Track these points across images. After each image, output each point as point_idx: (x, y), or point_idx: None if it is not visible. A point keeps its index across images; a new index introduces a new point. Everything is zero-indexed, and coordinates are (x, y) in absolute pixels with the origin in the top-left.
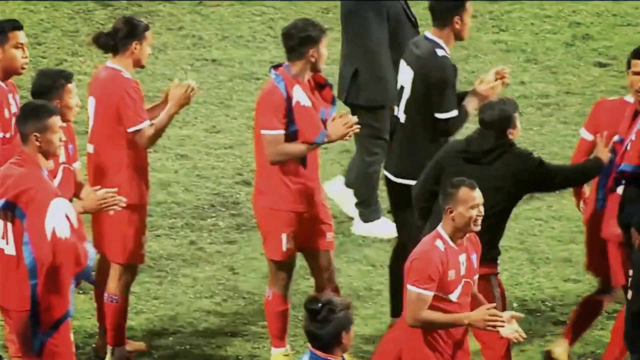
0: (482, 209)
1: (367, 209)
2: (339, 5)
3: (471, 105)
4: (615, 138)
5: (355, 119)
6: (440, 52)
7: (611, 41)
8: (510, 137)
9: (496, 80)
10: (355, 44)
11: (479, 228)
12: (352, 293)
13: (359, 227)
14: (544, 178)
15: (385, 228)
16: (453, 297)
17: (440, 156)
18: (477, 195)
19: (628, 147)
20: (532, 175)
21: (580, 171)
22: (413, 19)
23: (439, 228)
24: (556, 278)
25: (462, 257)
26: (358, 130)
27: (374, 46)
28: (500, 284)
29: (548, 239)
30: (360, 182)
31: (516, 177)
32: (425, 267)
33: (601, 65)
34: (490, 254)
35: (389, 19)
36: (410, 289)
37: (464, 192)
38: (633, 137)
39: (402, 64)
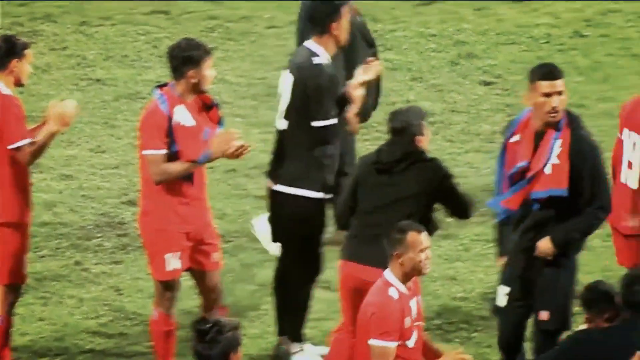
0: (429, 252)
1: None
2: (224, 25)
3: (351, 112)
4: (522, 163)
5: (237, 134)
6: (316, 60)
7: (495, 59)
8: (419, 144)
9: (364, 74)
10: None
11: (428, 271)
12: (239, 313)
13: (272, 246)
14: (450, 192)
15: None
16: (410, 343)
17: (355, 172)
18: (425, 239)
19: (549, 171)
20: (440, 185)
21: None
22: (369, 39)
23: (387, 275)
24: (444, 296)
25: (413, 302)
26: (244, 148)
27: None
28: None
29: (435, 258)
30: None
31: (427, 185)
32: (385, 319)
33: (486, 83)
34: None
35: None
36: (373, 343)
37: (412, 237)
38: (556, 160)
39: (285, 72)
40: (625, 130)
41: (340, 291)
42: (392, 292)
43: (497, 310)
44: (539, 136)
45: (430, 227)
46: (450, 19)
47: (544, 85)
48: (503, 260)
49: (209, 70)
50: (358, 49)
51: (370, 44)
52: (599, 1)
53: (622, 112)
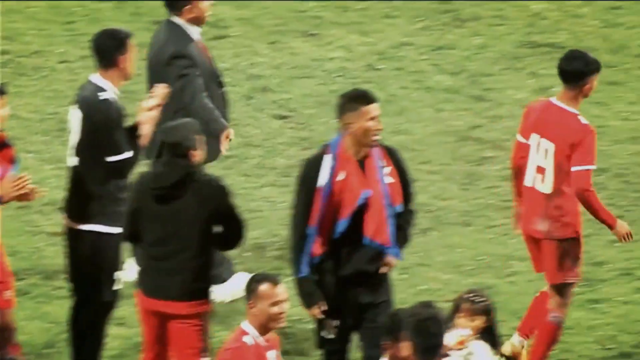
0: (286, 305)
1: (219, 267)
2: (15, 60)
3: (143, 140)
4: (366, 192)
5: (28, 179)
6: (102, 95)
7: (290, 93)
8: (194, 159)
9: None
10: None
11: (283, 324)
12: (33, 351)
13: (221, 293)
14: (229, 211)
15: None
16: None
17: (133, 200)
18: (280, 292)
19: (389, 191)
20: (221, 203)
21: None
22: (220, 78)
23: (244, 324)
24: None
25: (271, 354)
26: (34, 191)
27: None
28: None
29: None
30: None
31: (207, 204)
32: None
33: (281, 117)
34: (201, 292)
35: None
36: None
37: (264, 289)
38: (390, 179)
39: (73, 107)
40: (535, 135)
41: (141, 322)
42: (247, 339)
43: (324, 341)
44: (361, 164)
45: (217, 248)
46: (244, 52)
47: (370, 109)
48: (321, 309)
49: (2, 110)
50: (210, 88)
51: (220, 84)
52: (392, 35)
53: (527, 115)
